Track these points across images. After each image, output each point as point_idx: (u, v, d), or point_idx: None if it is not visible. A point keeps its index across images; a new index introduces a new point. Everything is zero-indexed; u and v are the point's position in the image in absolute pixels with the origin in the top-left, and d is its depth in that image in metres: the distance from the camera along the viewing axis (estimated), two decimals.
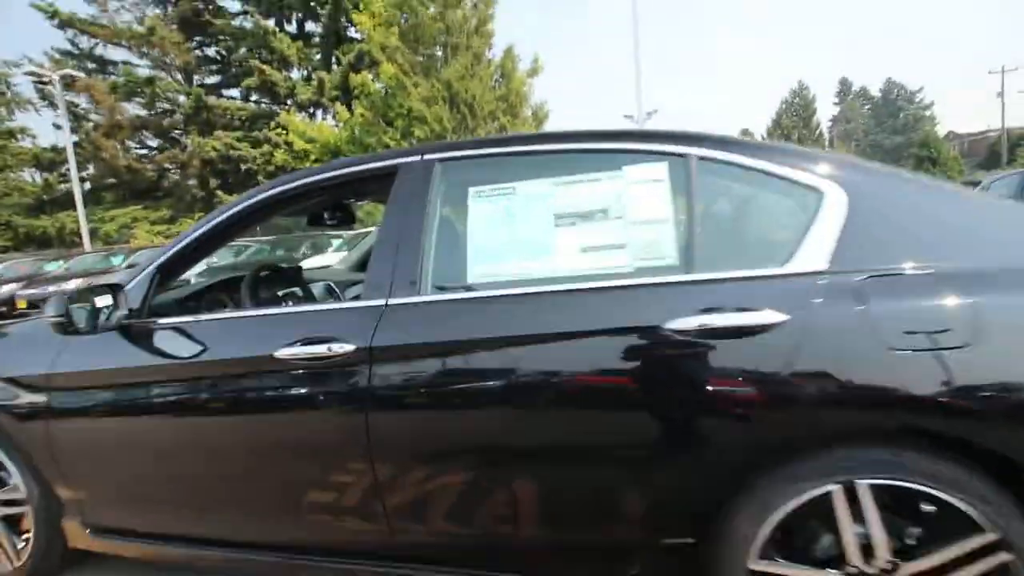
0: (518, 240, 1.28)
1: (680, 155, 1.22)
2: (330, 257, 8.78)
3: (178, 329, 1.54)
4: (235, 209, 1.59)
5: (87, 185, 21.65)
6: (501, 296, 1.25)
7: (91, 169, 22.57)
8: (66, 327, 1.45)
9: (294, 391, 1.36)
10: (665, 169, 1.22)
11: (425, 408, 1.26)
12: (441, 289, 1.31)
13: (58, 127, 17.86)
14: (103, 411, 1.57)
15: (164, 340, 1.54)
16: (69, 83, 18.17)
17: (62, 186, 20.62)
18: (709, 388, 1.08)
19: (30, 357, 1.67)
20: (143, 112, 22.53)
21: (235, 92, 22.97)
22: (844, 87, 50.29)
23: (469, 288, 1.28)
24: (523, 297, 1.23)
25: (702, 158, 1.21)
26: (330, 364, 1.30)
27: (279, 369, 1.34)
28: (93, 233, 18.22)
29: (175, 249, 1.63)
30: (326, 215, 2.23)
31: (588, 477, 1.18)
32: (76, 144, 18.40)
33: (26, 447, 1.67)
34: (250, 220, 1.63)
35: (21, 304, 9.41)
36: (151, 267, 1.63)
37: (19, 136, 22.87)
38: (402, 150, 1.46)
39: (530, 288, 1.23)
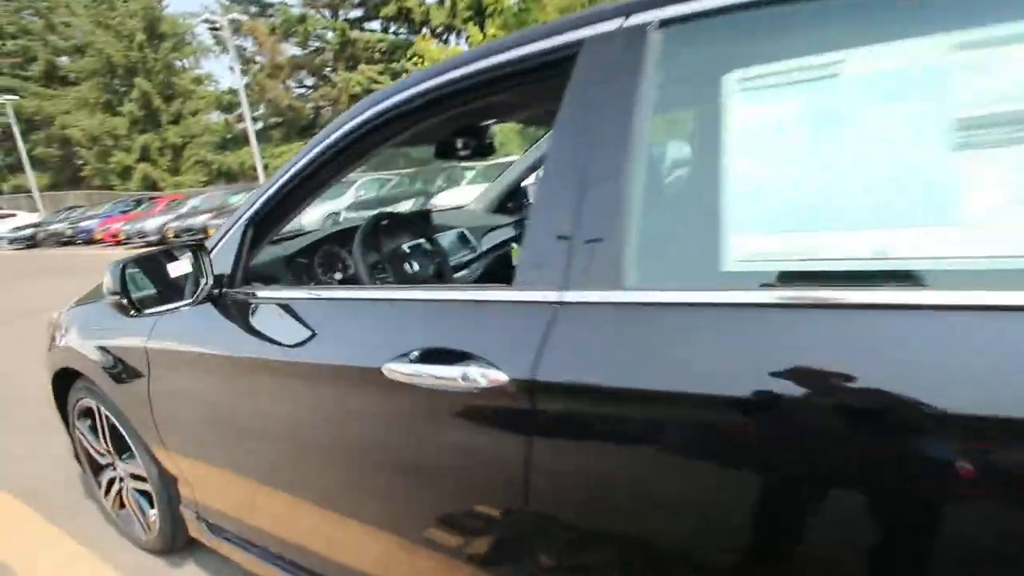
0: (849, 179, 0.59)
1: None
2: (465, 192, 8.47)
3: (276, 306, 1.13)
4: (331, 138, 1.09)
5: (259, 124, 24.10)
6: (810, 304, 0.57)
7: (261, 109, 25.01)
8: (127, 308, 1.10)
9: (410, 431, 0.87)
10: None
11: (635, 499, 0.69)
12: (667, 280, 0.69)
13: (232, 70, 19.78)
14: (194, 398, 1.26)
15: (258, 320, 1.14)
16: (236, 27, 19.78)
17: (239, 126, 23.17)
18: None
19: (132, 324, 1.41)
20: (298, 52, 24.02)
21: (375, 25, 23.33)
22: None
23: (730, 280, 0.64)
24: (876, 312, 0.54)
25: None
26: (464, 398, 0.77)
27: (387, 393, 0.86)
28: (266, 168, 20.38)
29: (266, 195, 1.20)
30: (458, 143, 1.68)
31: None
32: (246, 87, 20.31)
33: (134, 424, 1.47)
34: (353, 152, 1.12)
35: (212, 232, 10.93)
36: (239, 221, 1.22)
37: (205, 82, 26.10)
38: (586, 14, 0.79)
39: (895, 292, 0.54)
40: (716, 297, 0.62)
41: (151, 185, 24.13)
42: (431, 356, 0.81)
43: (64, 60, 26.20)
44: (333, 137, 1.09)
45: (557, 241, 0.73)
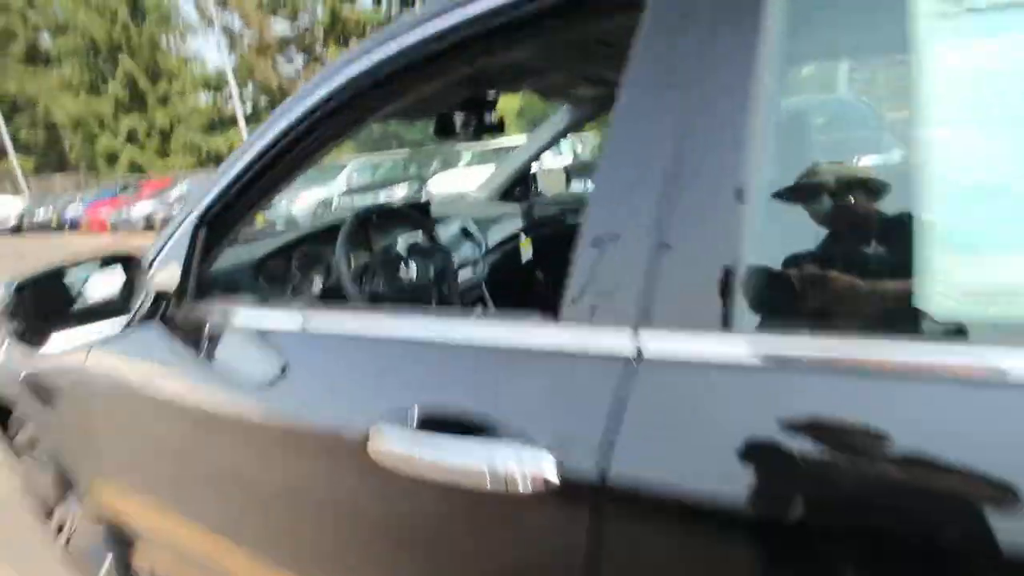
0: None
1: None
2: (462, 174, 8.09)
3: (230, 332, 0.87)
4: (305, 106, 0.83)
5: (248, 105, 23.44)
6: None
7: (250, 88, 24.33)
8: (26, 339, 0.83)
9: (407, 530, 0.62)
10: None
11: None
12: (821, 323, 0.43)
13: (219, 48, 19.17)
14: (136, 441, 1.02)
15: (207, 349, 0.89)
16: (223, 3, 19.08)
17: (228, 106, 22.53)
18: None
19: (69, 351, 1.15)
20: (288, 30, 23.23)
21: (367, 2, 22.56)
22: None
23: (948, 327, 0.38)
24: None
25: None
26: (489, 501, 0.52)
27: (374, 477, 0.60)
28: None
29: (221, 186, 0.94)
30: (457, 120, 1.39)
31: None
32: (234, 68, 19.67)
33: (73, 466, 1.23)
34: (335, 123, 0.85)
35: None
36: (187, 221, 0.96)
37: (192, 61, 25.37)
38: None
39: None
40: (919, 355, 0.37)
41: (139, 170, 23.53)
42: (437, 429, 0.56)
43: (46, 39, 25.36)
44: (307, 104, 0.82)
45: (623, 258, 0.47)
